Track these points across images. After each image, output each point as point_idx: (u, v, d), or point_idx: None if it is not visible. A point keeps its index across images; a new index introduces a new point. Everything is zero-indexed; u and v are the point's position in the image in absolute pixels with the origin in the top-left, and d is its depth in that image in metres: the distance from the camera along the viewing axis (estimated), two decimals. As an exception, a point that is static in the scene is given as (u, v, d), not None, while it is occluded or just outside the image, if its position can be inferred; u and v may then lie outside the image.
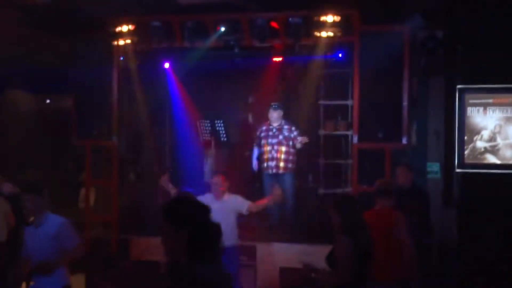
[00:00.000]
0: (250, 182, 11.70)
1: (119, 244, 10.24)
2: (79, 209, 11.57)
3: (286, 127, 10.57)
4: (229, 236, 7.84)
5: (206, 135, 11.27)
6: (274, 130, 10.60)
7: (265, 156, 10.65)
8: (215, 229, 3.97)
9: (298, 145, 10.34)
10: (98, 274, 9.83)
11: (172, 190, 8.80)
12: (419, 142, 10.75)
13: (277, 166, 10.52)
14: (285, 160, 10.50)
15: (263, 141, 10.67)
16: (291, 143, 10.49)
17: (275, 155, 10.53)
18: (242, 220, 10.85)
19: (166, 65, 11.95)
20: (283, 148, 10.49)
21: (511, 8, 9.97)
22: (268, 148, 10.58)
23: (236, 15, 10.09)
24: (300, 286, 8.46)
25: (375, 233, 6.53)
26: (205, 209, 4.03)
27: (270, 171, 10.56)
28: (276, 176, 10.50)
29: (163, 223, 3.89)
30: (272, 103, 10.64)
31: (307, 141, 10.33)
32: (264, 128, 10.74)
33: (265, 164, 10.63)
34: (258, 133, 10.83)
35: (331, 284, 5.99)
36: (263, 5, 10.26)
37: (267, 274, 9.45)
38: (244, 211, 8.85)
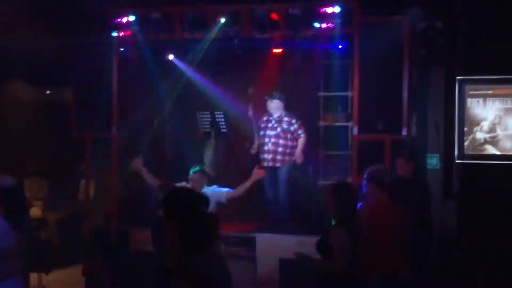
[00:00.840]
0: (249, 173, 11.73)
1: (119, 235, 10.26)
2: (79, 201, 11.61)
3: (286, 119, 10.55)
4: None
5: (206, 126, 11.27)
6: (273, 122, 10.59)
7: (262, 148, 10.65)
8: (211, 220, 4.14)
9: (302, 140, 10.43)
10: (98, 265, 9.85)
11: (152, 180, 8.81)
12: (418, 133, 10.74)
13: (273, 159, 10.50)
14: (282, 153, 10.48)
15: (261, 132, 10.68)
16: (289, 136, 10.48)
17: (271, 148, 10.51)
18: (243, 212, 10.94)
19: (171, 57, 11.91)
20: (280, 141, 10.47)
21: (511, -1, 9.98)
22: (266, 140, 10.58)
23: (236, 6, 10.09)
24: (299, 276, 8.50)
25: (377, 227, 6.56)
26: (201, 200, 4.21)
27: (266, 164, 10.55)
28: (273, 169, 10.50)
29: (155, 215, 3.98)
30: (269, 94, 10.64)
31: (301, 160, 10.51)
32: (264, 119, 10.75)
33: (262, 156, 10.63)
34: (259, 124, 10.84)
35: (329, 272, 6.01)
36: (262, -4, 10.26)
37: (267, 265, 9.46)
38: (224, 200, 8.91)
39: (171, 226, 4.03)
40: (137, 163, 9.05)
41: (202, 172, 9.21)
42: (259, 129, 10.76)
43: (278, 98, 10.56)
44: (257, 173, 9.20)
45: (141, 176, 9.24)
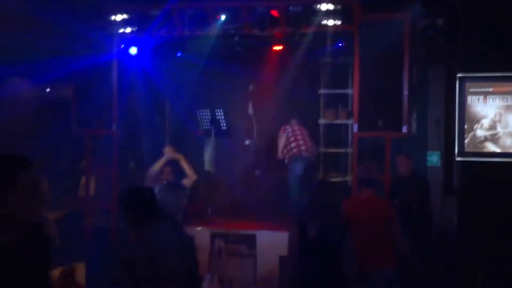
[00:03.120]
0: (250, 170, 11.75)
1: (119, 232, 10.25)
2: (79, 198, 11.60)
3: None
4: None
5: (206, 124, 11.26)
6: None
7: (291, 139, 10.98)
8: (152, 205, 5.47)
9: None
10: (98, 262, 9.84)
11: (189, 170, 8.91)
12: (419, 131, 10.74)
13: (306, 150, 10.87)
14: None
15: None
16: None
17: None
18: (243, 209, 10.95)
19: (173, 54, 11.91)
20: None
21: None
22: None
23: (236, 3, 10.08)
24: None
25: (365, 222, 6.66)
26: (144, 192, 5.61)
27: (299, 154, 10.81)
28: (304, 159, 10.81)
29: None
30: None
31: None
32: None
33: (293, 145, 10.92)
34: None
35: None
36: (263, -7, 10.25)
37: (267, 263, 9.46)
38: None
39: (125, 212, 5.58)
40: (170, 151, 9.03)
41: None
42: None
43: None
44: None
45: (180, 164, 9.23)
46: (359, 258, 6.79)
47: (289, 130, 10.85)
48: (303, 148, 10.70)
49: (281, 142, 10.93)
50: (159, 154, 9.97)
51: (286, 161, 10.92)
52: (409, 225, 8.43)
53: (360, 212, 7.00)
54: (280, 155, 10.94)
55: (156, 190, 6.35)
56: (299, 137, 10.78)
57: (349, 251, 6.39)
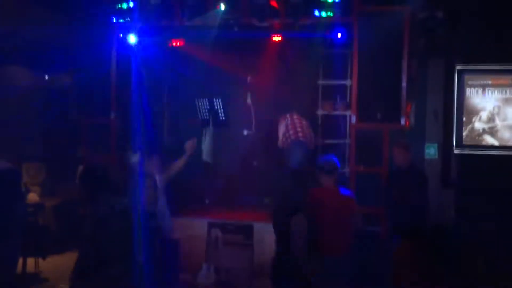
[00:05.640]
0: (248, 161, 11.75)
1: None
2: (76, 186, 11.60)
3: None
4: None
5: (204, 114, 11.25)
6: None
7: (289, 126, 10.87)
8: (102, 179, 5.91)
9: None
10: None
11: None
12: (417, 123, 10.74)
13: (304, 135, 10.76)
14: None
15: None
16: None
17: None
18: (240, 199, 10.96)
19: (175, 44, 11.87)
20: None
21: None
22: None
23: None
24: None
25: (326, 210, 6.84)
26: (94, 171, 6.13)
27: (296, 137, 10.76)
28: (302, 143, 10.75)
29: None
30: None
31: None
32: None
33: (292, 131, 10.82)
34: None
35: None
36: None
37: (264, 254, 9.46)
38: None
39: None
40: (191, 148, 8.95)
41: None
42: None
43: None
44: (187, 147, 9.05)
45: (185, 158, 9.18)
46: (318, 242, 6.97)
47: (289, 120, 10.82)
48: (300, 134, 10.67)
49: (281, 129, 10.91)
50: (158, 143, 9.95)
51: (284, 148, 10.89)
52: (407, 217, 8.47)
53: (322, 201, 7.21)
54: (280, 143, 10.92)
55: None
56: (297, 125, 10.76)
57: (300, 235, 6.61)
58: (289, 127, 10.77)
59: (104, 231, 5.69)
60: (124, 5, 10.30)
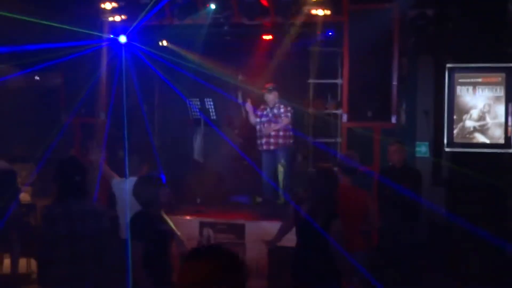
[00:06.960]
0: (238, 160, 11.75)
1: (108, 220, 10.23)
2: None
3: (277, 105, 10.54)
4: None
5: (195, 113, 11.25)
6: (267, 110, 10.58)
7: (258, 134, 10.66)
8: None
9: (285, 120, 10.38)
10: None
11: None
12: (408, 121, 10.76)
13: (267, 143, 10.49)
14: (275, 136, 10.46)
15: (258, 120, 10.65)
16: (279, 120, 10.46)
17: (263, 132, 10.53)
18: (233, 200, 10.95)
19: (165, 43, 11.87)
20: (272, 125, 10.46)
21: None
22: (259, 127, 10.57)
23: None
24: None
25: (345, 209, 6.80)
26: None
27: (261, 148, 10.56)
28: (269, 152, 10.50)
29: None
30: (268, 86, 10.59)
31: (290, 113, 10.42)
32: (261, 107, 10.73)
33: (258, 142, 10.62)
34: (257, 113, 10.79)
35: None
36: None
37: (256, 253, 9.47)
38: None
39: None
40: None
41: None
42: (259, 121, 10.70)
43: (277, 90, 10.52)
44: None
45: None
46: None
47: (264, 119, 10.67)
48: (272, 141, 10.57)
49: (251, 116, 10.81)
50: (147, 142, 9.93)
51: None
52: (400, 216, 8.48)
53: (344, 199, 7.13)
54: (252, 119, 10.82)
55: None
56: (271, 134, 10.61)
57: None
58: (262, 133, 10.64)
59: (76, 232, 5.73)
60: (115, 4, 10.29)
